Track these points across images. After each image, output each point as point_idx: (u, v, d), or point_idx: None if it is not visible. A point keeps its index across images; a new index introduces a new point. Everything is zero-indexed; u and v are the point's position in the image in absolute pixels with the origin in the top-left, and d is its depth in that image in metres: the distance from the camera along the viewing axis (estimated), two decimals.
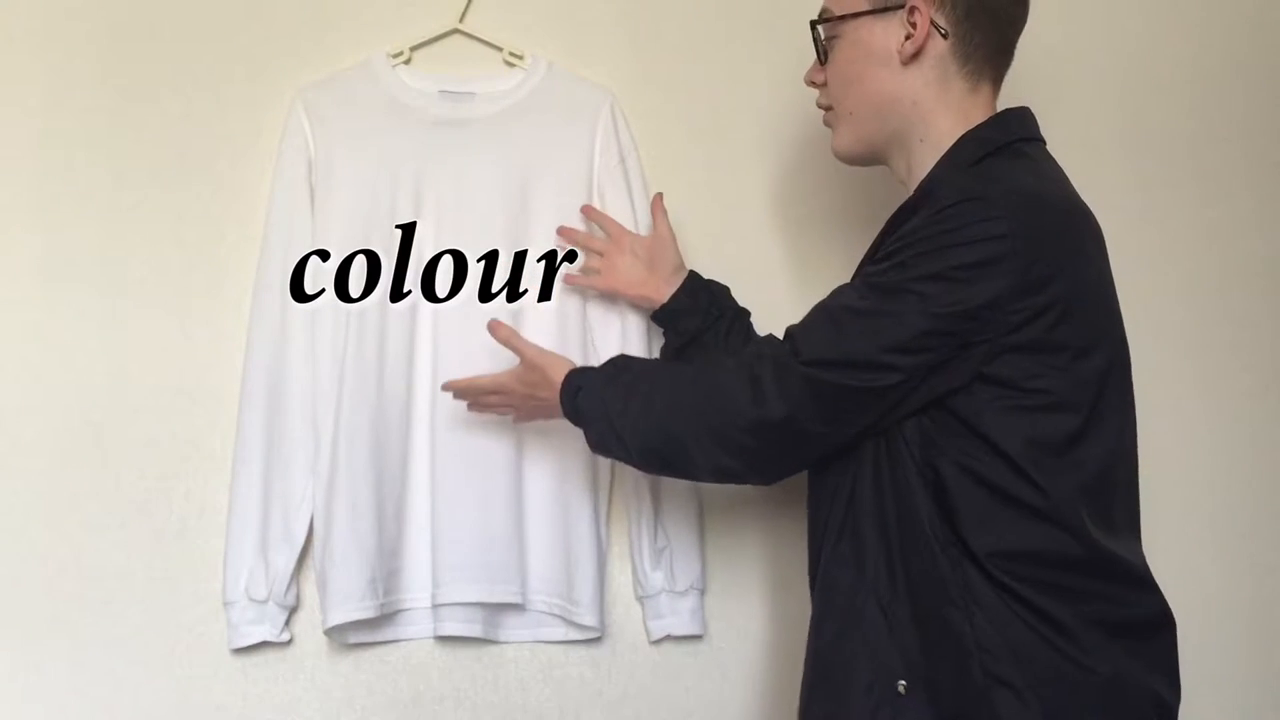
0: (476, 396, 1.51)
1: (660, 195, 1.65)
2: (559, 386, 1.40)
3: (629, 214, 1.68)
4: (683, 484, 1.63)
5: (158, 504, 1.62)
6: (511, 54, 1.73)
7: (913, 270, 1.21)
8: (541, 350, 1.47)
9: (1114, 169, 1.83)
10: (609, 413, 1.35)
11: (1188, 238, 1.86)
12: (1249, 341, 1.86)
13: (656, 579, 1.63)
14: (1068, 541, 1.20)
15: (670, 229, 1.63)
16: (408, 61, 1.72)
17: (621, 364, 1.42)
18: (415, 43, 1.73)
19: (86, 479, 1.61)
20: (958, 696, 1.18)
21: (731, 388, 1.27)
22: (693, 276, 1.62)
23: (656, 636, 1.64)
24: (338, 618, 1.52)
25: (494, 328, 1.48)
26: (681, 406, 1.30)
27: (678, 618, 1.64)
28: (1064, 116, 1.72)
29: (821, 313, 1.29)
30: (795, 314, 1.32)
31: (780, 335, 1.33)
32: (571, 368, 1.42)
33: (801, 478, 1.40)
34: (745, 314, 1.63)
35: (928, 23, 1.32)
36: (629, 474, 1.63)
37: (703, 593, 1.66)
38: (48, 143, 1.68)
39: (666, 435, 1.31)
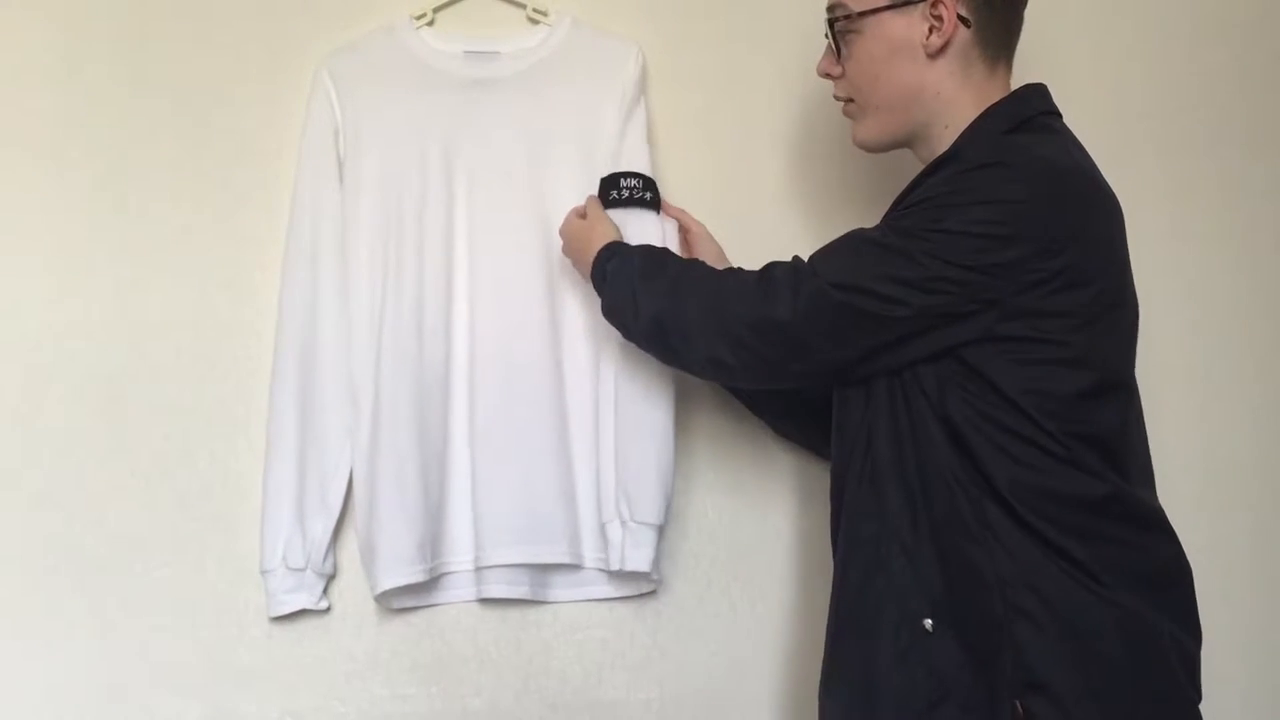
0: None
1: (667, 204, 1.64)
2: (601, 245, 1.47)
3: (645, 158, 1.66)
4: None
5: (181, 469, 1.62)
6: (535, 10, 1.71)
7: (932, 222, 1.25)
8: (610, 222, 1.53)
9: (1135, 137, 1.81)
10: (634, 275, 1.41)
11: (1208, 204, 1.84)
12: (1269, 308, 1.83)
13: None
14: (1089, 483, 1.24)
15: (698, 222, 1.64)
16: (431, 23, 1.70)
17: (661, 250, 1.48)
18: (438, 4, 1.70)
19: (109, 444, 1.61)
20: (981, 629, 1.22)
21: (747, 282, 1.34)
22: None
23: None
24: (389, 582, 1.52)
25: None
26: (699, 290, 1.37)
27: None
28: (1085, 86, 1.72)
29: (842, 242, 1.34)
30: None
31: None
32: (618, 240, 1.49)
33: (826, 444, 1.41)
34: None
35: (954, 15, 1.33)
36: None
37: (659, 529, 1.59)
38: (68, 106, 1.67)
39: (677, 311, 1.37)
